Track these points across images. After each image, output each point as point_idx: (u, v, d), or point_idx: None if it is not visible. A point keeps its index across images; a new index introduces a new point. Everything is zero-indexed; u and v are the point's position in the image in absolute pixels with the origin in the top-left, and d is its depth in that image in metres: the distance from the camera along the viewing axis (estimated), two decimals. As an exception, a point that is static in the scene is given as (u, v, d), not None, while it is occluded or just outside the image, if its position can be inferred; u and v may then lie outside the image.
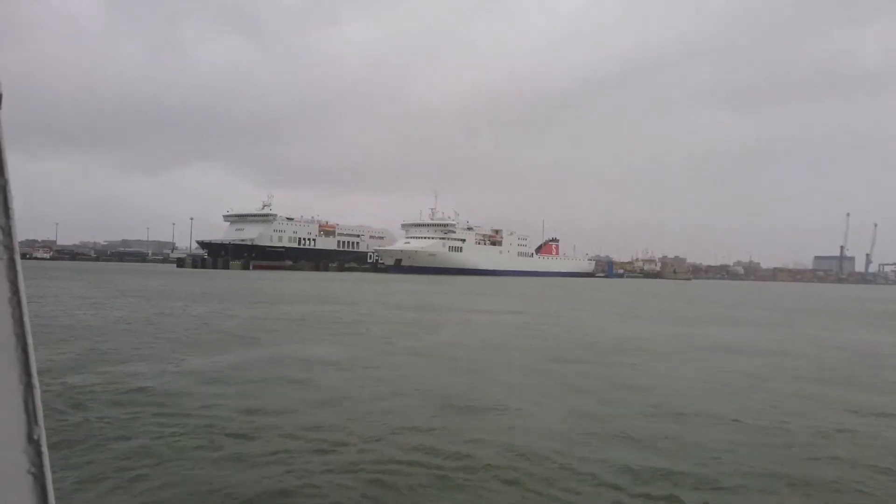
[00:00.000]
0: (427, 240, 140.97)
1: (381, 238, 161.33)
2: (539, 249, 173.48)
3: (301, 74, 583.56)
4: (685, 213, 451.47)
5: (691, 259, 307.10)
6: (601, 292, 67.53)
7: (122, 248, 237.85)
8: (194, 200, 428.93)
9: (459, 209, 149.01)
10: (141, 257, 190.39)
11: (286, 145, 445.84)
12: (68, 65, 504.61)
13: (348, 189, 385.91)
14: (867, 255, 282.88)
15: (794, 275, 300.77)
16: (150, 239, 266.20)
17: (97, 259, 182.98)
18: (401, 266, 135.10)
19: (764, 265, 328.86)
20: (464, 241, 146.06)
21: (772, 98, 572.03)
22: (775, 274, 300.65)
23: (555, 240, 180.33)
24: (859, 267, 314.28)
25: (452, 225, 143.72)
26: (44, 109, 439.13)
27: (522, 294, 55.39)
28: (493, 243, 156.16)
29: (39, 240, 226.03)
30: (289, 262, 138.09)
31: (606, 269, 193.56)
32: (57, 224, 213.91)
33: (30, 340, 1.01)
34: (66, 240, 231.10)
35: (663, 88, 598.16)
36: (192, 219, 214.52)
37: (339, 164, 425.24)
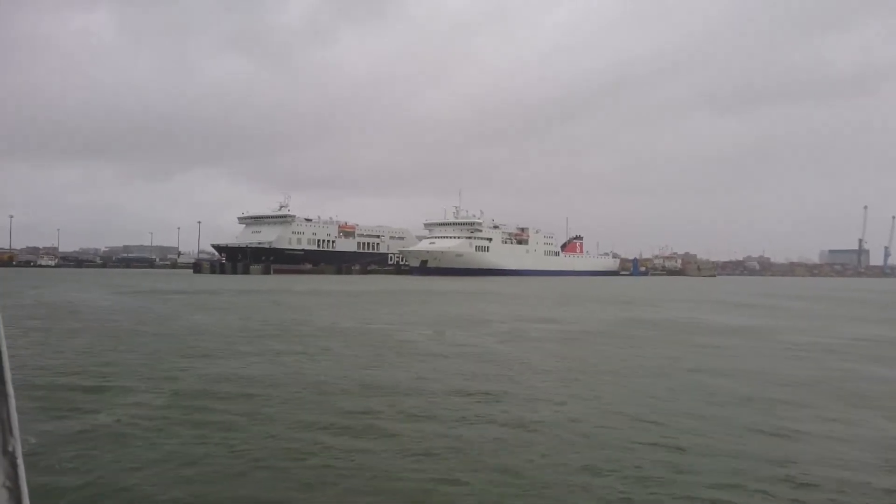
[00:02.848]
0: (452, 239, 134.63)
1: (402, 238, 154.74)
2: (564, 247, 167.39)
3: (304, 88, 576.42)
4: (685, 212, 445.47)
5: (701, 256, 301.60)
6: (687, 293, 61.31)
7: (126, 254, 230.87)
8: (196, 207, 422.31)
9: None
10: (148, 263, 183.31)
11: (289, 154, 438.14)
12: (81, 77, 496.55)
13: (352, 193, 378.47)
14: (886, 248, 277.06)
15: (812, 269, 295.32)
16: (154, 244, 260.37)
17: (103, 265, 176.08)
18: (426, 268, 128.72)
19: (773, 260, 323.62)
20: (490, 240, 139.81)
21: (760, 101, 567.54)
22: (792, 269, 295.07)
23: (579, 237, 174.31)
24: (874, 261, 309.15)
25: (479, 223, 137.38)
26: (55, 121, 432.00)
27: (621, 295, 49.25)
28: (520, 242, 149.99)
29: (41, 247, 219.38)
30: (308, 266, 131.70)
31: (631, 266, 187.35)
32: (59, 230, 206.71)
33: (3, 347, 0.95)
34: (66, 246, 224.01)
35: (656, 94, 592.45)
36: (199, 222, 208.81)
37: (343, 170, 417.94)
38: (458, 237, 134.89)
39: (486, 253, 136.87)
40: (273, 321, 24.16)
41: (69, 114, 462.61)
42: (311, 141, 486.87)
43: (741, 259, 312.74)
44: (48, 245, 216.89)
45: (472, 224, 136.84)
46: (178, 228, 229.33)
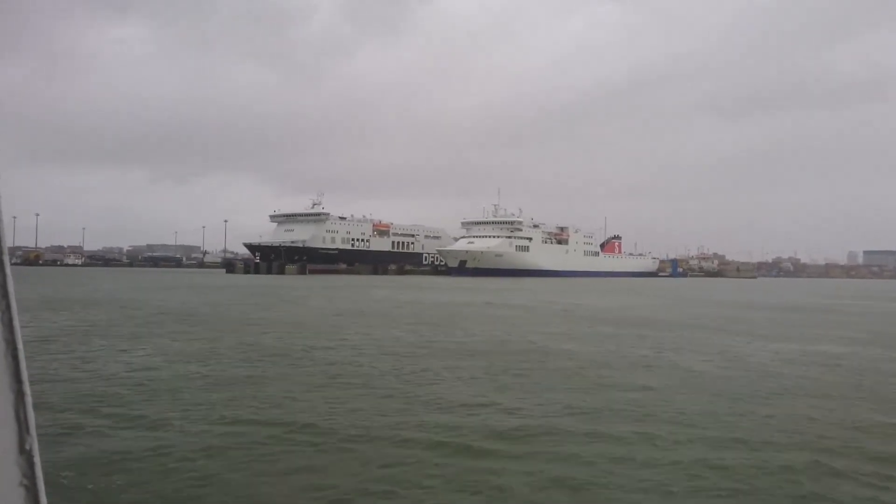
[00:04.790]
0: (492, 239, 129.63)
1: (437, 238, 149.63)
2: (602, 247, 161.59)
3: (324, 96, 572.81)
4: (704, 214, 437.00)
5: (728, 257, 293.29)
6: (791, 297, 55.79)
7: (150, 253, 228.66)
8: (219, 208, 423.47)
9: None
10: (175, 262, 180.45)
11: (310, 157, 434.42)
12: (112, 87, 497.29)
13: (371, 195, 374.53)
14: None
15: (848, 271, 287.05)
16: (178, 243, 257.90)
17: (130, 264, 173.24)
18: (465, 268, 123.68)
19: (801, 261, 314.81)
20: (530, 239, 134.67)
21: (771, 106, 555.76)
22: (827, 270, 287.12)
23: (617, 237, 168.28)
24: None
25: (519, 222, 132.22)
26: (86, 127, 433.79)
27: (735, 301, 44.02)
28: (559, 242, 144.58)
29: (66, 245, 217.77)
30: (343, 266, 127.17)
31: (671, 268, 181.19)
32: (84, 229, 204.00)
33: (20, 346, 0.95)
34: (90, 245, 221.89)
35: (668, 99, 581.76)
36: (226, 221, 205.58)
37: (361, 172, 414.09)
38: (498, 236, 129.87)
39: (526, 253, 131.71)
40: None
41: (100, 120, 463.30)
42: (331, 145, 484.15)
43: (769, 261, 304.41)
44: (72, 244, 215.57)
45: (511, 223, 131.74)
46: (204, 227, 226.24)
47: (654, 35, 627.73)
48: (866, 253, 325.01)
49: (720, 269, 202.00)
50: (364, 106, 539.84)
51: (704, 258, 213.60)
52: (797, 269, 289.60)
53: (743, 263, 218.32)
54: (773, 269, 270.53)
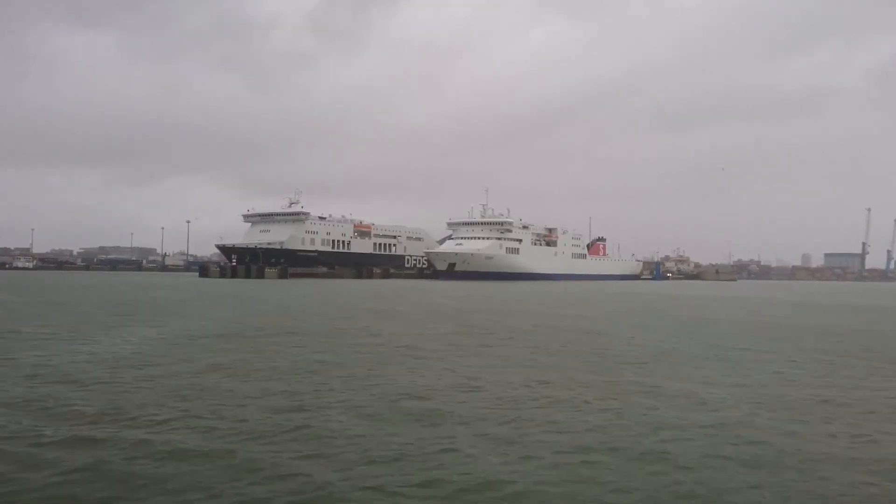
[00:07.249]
0: (481, 240, 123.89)
1: (419, 240, 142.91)
2: (588, 249, 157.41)
3: (290, 103, 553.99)
4: (672, 220, 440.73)
5: (692, 259, 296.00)
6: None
7: (104, 255, 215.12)
8: (180, 210, 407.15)
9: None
10: (135, 265, 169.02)
11: (275, 162, 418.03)
12: (79, 90, 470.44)
13: (339, 198, 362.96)
14: (888, 251, 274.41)
15: (814, 273, 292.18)
16: (134, 245, 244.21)
17: (86, 267, 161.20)
18: (454, 272, 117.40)
19: (762, 264, 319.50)
20: (520, 241, 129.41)
21: (724, 117, 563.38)
22: (793, 272, 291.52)
23: (602, 239, 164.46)
24: (870, 263, 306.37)
25: (509, 223, 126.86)
26: (46, 128, 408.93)
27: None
28: (549, 243, 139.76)
29: (13, 248, 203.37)
30: (323, 269, 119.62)
31: (654, 270, 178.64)
32: (33, 230, 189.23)
33: None
34: (39, 248, 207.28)
35: (626, 109, 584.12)
36: (188, 222, 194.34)
37: (326, 177, 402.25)
38: (488, 238, 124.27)
39: (516, 255, 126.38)
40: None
41: (58, 122, 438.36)
42: (297, 150, 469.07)
43: (731, 263, 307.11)
44: (20, 246, 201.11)
45: (501, 224, 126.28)
46: (163, 228, 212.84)
47: (622, 47, 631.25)
48: (827, 255, 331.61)
49: (698, 272, 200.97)
50: (333, 112, 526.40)
51: (681, 261, 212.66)
52: (763, 272, 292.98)
53: (721, 266, 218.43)
54: (742, 272, 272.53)
